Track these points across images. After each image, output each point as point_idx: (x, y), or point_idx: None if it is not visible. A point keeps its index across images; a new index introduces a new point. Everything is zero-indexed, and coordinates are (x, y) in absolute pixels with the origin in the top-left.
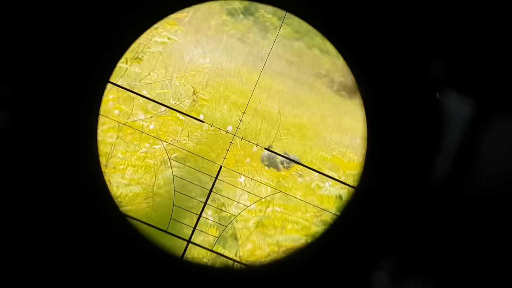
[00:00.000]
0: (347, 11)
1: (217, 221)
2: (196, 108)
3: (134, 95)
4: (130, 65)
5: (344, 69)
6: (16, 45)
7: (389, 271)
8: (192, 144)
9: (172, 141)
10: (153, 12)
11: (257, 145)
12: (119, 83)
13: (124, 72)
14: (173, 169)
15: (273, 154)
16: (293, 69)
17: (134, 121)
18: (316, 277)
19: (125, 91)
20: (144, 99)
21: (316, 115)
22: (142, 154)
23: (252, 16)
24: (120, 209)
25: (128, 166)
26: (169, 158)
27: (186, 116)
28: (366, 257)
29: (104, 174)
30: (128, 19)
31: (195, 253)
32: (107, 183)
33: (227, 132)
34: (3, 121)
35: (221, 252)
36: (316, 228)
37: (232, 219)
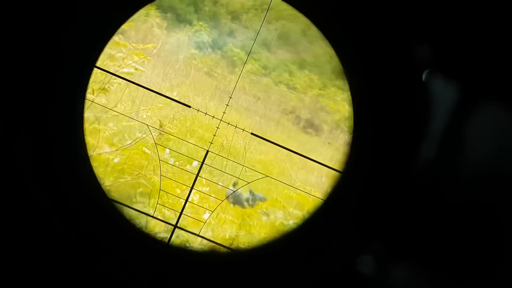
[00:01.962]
0: None
1: None
2: (163, 141)
3: (100, 127)
4: (96, 96)
5: (311, 106)
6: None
7: (374, 255)
8: (157, 179)
9: (138, 175)
10: None
11: (221, 185)
12: (85, 115)
13: (91, 104)
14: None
15: (238, 191)
16: (260, 105)
17: (99, 154)
18: (302, 262)
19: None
20: (109, 132)
21: (282, 152)
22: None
23: (220, 50)
24: (107, 194)
25: None
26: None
27: (153, 150)
28: (351, 242)
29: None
30: (114, 3)
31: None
32: (94, 169)
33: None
34: None
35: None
36: None
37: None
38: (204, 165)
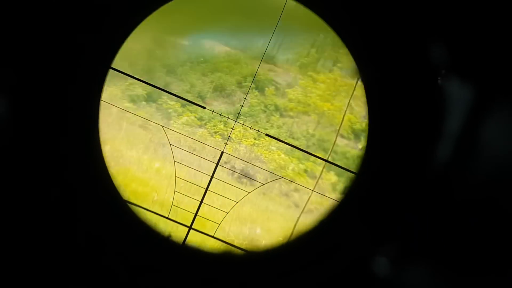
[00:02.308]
0: None
1: None
2: None
3: None
4: None
5: (246, 156)
6: (19, 32)
7: (389, 256)
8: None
9: None
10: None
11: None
12: None
13: None
14: None
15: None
16: (194, 157)
17: None
18: (317, 262)
19: None
20: None
21: (216, 205)
22: None
23: (155, 103)
24: (122, 196)
25: None
26: None
27: None
28: (366, 242)
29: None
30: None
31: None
32: (109, 170)
33: None
34: (6, 107)
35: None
36: None
37: None
38: None
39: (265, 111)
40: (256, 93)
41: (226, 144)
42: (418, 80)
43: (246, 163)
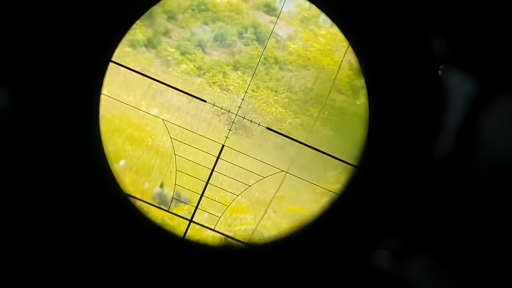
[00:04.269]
0: None
1: None
2: None
3: None
4: None
5: (243, 107)
6: (18, 24)
7: (390, 249)
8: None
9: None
10: None
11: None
12: None
13: None
14: None
15: (165, 192)
16: (192, 105)
17: None
18: (317, 256)
19: None
20: None
21: (212, 153)
22: None
23: (155, 49)
24: (122, 188)
25: None
26: None
27: None
28: (367, 236)
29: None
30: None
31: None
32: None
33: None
34: (5, 100)
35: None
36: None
37: None
38: (131, 163)
39: (264, 64)
40: (257, 44)
41: (224, 94)
42: (418, 74)
43: (243, 114)
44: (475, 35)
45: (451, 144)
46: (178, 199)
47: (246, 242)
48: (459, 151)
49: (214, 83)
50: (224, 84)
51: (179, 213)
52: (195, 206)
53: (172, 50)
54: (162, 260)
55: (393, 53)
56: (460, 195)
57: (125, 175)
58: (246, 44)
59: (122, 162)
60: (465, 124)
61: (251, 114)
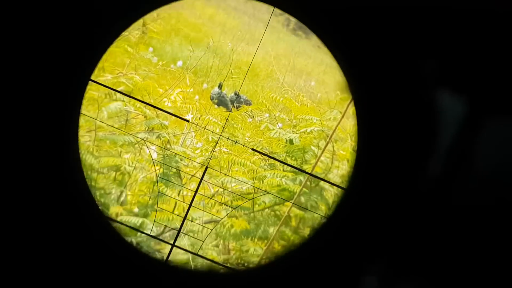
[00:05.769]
0: (338, 12)
1: (161, 160)
2: (146, 40)
3: None
4: None
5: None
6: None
7: (378, 274)
8: (139, 79)
9: (118, 74)
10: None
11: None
12: None
13: None
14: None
15: (223, 92)
16: (249, 5)
17: None
18: (304, 281)
19: None
20: None
21: (270, 54)
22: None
23: None
24: (104, 213)
25: None
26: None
27: (134, 49)
28: (356, 260)
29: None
30: (112, 14)
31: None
32: (91, 188)
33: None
34: None
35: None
36: (264, 172)
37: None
38: (188, 65)
39: None
40: None
41: None
42: (410, 95)
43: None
44: (465, 56)
45: (442, 165)
46: (238, 100)
47: (231, 267)
48: (450, 171)
49: None
50: None
51: (242, 114)
52: (178, 230)
53: None
54: (146, 284)
55: (383, 74)
56: (450, 216)
57: (184, 74)
58: None
59: (179, 63)
60: (456, 144)
61: None
